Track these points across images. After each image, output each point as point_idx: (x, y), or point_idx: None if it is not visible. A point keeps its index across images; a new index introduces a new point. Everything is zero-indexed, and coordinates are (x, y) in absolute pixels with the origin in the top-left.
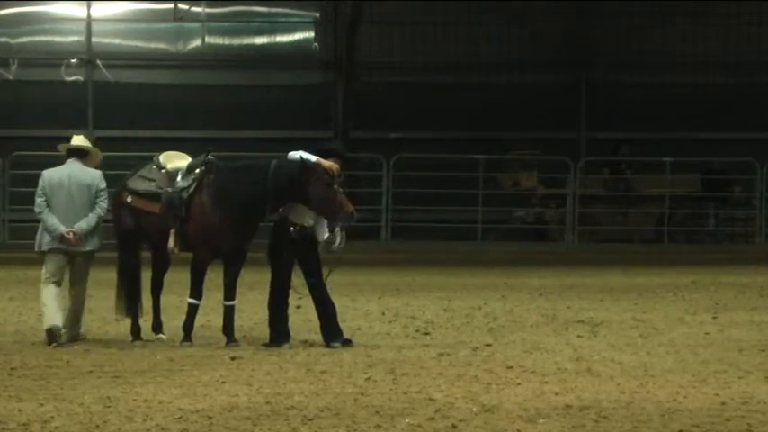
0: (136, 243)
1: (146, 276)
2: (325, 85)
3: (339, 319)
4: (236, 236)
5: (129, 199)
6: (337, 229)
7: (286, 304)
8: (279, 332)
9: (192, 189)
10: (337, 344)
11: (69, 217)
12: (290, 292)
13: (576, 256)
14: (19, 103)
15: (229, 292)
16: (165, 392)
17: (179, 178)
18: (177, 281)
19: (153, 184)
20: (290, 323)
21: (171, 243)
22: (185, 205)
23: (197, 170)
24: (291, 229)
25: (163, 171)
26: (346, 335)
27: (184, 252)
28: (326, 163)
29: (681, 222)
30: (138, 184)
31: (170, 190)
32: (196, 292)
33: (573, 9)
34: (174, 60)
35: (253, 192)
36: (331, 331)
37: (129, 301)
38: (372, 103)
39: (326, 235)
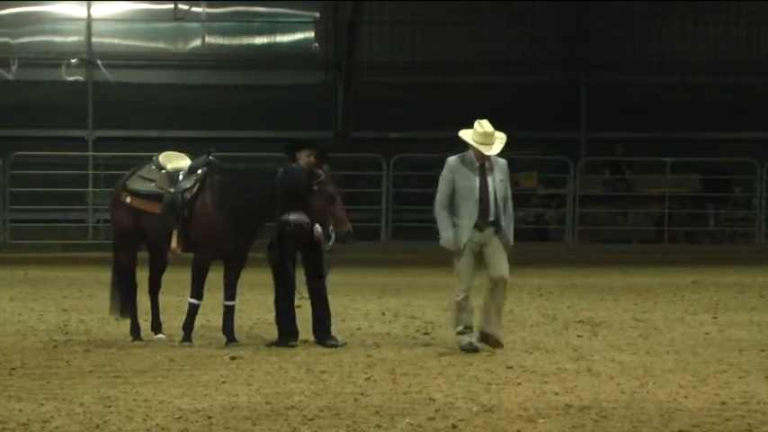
0: (134, 243)
1: (143, 277)
2: (325, 85)
3: (339, 319)
4: (238, 237)
5: (128, 199)
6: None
7: (292, 303)
8: (286, 331)
9: (194, 190)
10: (333, 343)
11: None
12: (296, 291)
13: (576, 256)
14: (19, 103)
15: (229, 292)
16: (165, 392)
17: (180, 179)
18: (177, 280)
19: (153, 184)
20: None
21: (173, 244)
22: (188, 206)
23: (199, 171)
24: (288, 227)
25: (163, 171)
26: (346, 335)
27: (186, 253)
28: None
29: (681, 222)
30: (137, 184)
31: (172, 190)
32: (197, 292)
33: (573, 9)
34: (174, 60)
35: (260, 196)
36: (321, 335)
37: (124, 301)
38: (372, 103)
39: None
